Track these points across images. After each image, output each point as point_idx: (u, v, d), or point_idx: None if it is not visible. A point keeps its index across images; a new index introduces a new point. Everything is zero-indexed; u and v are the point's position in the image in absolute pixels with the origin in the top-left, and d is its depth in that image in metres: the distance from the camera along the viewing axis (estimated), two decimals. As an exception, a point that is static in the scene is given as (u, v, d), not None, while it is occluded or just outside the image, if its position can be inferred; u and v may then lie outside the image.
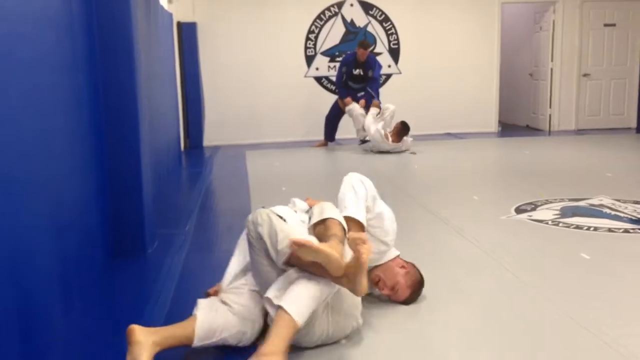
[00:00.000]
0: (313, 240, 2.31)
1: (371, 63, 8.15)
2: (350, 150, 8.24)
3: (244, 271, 2.59)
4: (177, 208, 5.03)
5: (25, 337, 2.09)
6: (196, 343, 2.27)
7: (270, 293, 2.24)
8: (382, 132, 7.75)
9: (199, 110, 8.82)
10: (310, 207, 2.70)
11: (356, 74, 8.17)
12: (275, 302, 2.19)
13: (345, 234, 2.42)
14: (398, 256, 2.84)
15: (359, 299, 2.47)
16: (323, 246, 2.23)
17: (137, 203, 3.62)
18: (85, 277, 2.97)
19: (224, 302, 2.42)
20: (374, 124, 7.81)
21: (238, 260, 2.66)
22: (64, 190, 2.71)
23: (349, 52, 8.51)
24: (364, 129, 7.95)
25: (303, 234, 2.37)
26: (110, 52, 3.37)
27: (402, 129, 7.87)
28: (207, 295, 2.68)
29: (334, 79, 9.23)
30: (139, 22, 3.69)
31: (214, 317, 2.33)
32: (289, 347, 2.13)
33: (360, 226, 2.61)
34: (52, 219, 2.49)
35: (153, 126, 4.61)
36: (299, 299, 2.17)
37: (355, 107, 8.07)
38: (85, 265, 2.98)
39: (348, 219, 2.58)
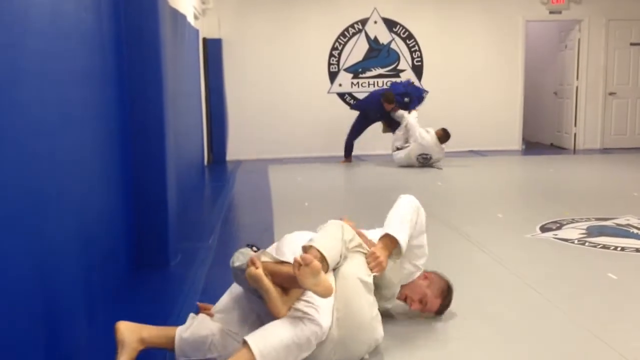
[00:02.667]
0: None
1: (407, 90, 8.35)
2: (374, 166, 8.23)
3: (235, 300, 2.54)
4: (200, 222, 5.06)
5: (50, 345, 2.11)
6: (177, 351, 2.34)
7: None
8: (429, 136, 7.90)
9: (222, 125, 8.90)
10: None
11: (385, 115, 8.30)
12: (247, 338, 2.17)
13: (325, 263, 2.35)
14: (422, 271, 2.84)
15: (372, 314, 2.40)
16: (267, 282, 2.22)
17: (162, 216, 3.65)
18: (109, 288, 3.00)
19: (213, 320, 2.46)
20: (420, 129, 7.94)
21: (231, 290, 2.63)
22: (90, 202, 2.75)
23: (375, 99, 8.35)
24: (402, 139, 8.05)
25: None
26: (139, 68, 3.43)
27: (444, 136, 7.93)
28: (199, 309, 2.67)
29: (357, 95, 9.29)
30: (166, 39, 3.76)
31: (198, 328, 2.39)
32: None
33: (395, 245, 2.61)
34: (78, 231, 2.52)
35: (178, 141, 4.66)
36: (268, 341, 2.16)
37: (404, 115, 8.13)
38: (109, 276, 3.02)
39: (388, 236, 2.62)
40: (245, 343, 2.15)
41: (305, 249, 2.37)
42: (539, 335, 2.66)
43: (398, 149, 8.09)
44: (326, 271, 2.37)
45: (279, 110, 9.31)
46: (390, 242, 2.62)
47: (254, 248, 2.51)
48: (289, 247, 2.50)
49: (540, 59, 10.63)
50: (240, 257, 2.43)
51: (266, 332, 2.20)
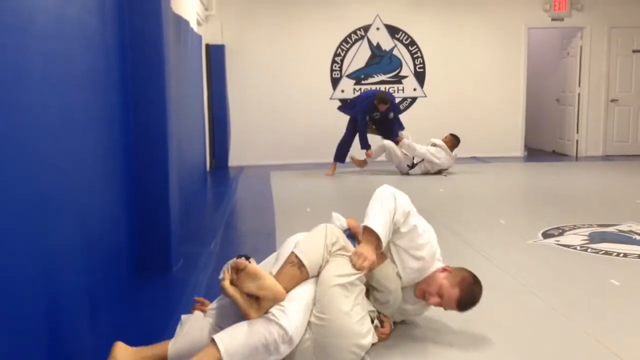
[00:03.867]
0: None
1: (390, 106, 8.05)
2: (376, 173, 8.23)
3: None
4: (202, 227, 5.06)
5: (53, 348, 2.11)
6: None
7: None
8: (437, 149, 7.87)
9: (225, 131, 8.92)
10: (348, 229, 2.70)
11: (376, 117, 8.03)
12: (215, 336, 2.19)
13: (303, 269, 2.38)
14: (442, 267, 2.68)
15: (355, 319, 2.33)
16: (232, 293, 2.26)
17: (164, 221, 3.66)
18: (112, 292, 3.00)
19: (205, 315, 2.46)
20: (425, 147, 7.87)
21: None
22: (93, 206, 2.76)
23: (366, 101, 7.99)
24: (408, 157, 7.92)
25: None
26: (142, 72, 3.45)
27: (454, 142, 7.92)
28: (194, 308, 2.68)
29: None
30: (170, 44, 3.77)
31: (190, 332, 2.37)
32: None
33: (376, 237, 2.51)
34: (81, 235, 2.53)
35: (180, 146, 4.67)
36: (233, 337, 2.18)
37: (391, 144, 7.94)
38: (111, 281, 3.02)
39: (367, 229, 2.53)
40: (212, 341, 2.17)
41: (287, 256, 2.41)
42: (541, 340, 2.65)
43: (410, 166, 7.98)
44: (306, 277, 2.39)
45: (281, 116, 9.32)
46: (370, 236, 2.51)
47: (242, 256, 2.51)
48: (286, 250, 2.52)
49: (542, 66, 10.64)
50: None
51: (234, 331, 2.22)
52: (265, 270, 2.48)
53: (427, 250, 2.62)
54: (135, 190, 3.52)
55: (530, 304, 3.12)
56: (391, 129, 8.01)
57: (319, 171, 8.38)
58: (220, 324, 2.37)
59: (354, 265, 2.42)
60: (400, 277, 2.62)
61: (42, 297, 2.04)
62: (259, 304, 2.26)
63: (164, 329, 2.78)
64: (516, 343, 2.64)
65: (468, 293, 2.58)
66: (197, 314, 2.51)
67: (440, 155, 7.87)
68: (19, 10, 1.93)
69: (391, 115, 7.97)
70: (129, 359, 2.26)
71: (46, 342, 2.06)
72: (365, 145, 7.96)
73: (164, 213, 3.66)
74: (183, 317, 2.53)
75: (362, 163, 8.20)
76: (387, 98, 7.84)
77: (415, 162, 7.95)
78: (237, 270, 2.27)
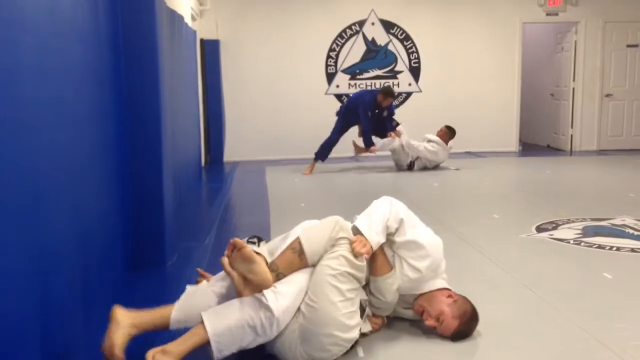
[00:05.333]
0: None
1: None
2: (370, 168, 8.24)
3: None
4: (197, 222, 5.06)
5: (46, 345, 2.11)
6: (173, 325, 2.37)
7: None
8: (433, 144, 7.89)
9: (220, 126, 8.91)
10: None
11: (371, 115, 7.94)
12: (203, 314, 2.26)
13: (303, 256, 2.42)
14: (447, 289, 2.66)
15: (343, 311, 2.31)
16: (229, 270, 2.33)
17: (158, 216, 3.65)
18: (105, 288, 2.99)
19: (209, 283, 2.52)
20: (422, 144, 7.87)
21: None
22: (86, 201, 2.75)
23: (366, 97, 7.78)
24: (404, 152, 7.88)
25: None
26: (135, 66, 3.43)
27: (449, 134, 7.93)
28: (198, 281, 2.73)
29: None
30: (163, 38, 3.76)
31: (193, 298, 2.42)
32: (188, 353, 2.21)
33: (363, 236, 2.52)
34: (74, 231, 2.52)
35: (175, 141, 4.66)
36: (222, 317, 2.24)
37: (390, 141, 7.83)
38: (105, 276, 3.01)
39: (356, 230, 2.55)
40: (202, 320, 2.23)
41: (292, 241, 2.45)
42: (534, 334, 2.67)
43: (410, 164, 7.97)
44: (305, 265, 2.41)
45: (276, 111, 9.32)
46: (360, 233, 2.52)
47: (255, 240, 2.54)
48: (294, 233, 2.57)
49: (537, 60, 10.66)
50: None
51: (224, 310, 2.27)
52: (271, 248, 2.54)
53: (427, 263, 2.58)
54: (129, 185, 3.51)
55: (523, 297, 3.13)
56: (385, 128, 7.96)
57: (315, 166, 8.37)
58: (223, 295, 2.42)
59: (352, 250, 2.41)
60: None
61: (34, 293, 2.03)
62: (251, 285, 2.29)
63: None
64: (508, 336, 2.65)
65: (466, 328, 2.58)
66: (203, 284, 2.55)
67: (437, 152, 7.88)
68: (9, 3, 1.92)
69: (385, 113, 7.91)
70: (129, 321, 2.31)
71: (39, 339, 2.05)
72: (369, 142, 7.82)
73: (158, 208, 3.65)
74: (188, 287, 2.55)
75: (363, 151, 8.01)
76: (392, 91, 7.75)
77: (413, 159, 7.95)
78: (233, 248, 2.33)
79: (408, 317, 2.76)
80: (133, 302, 3.18)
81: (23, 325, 1.94)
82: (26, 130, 2.00)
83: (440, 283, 2.66)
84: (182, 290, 3.27)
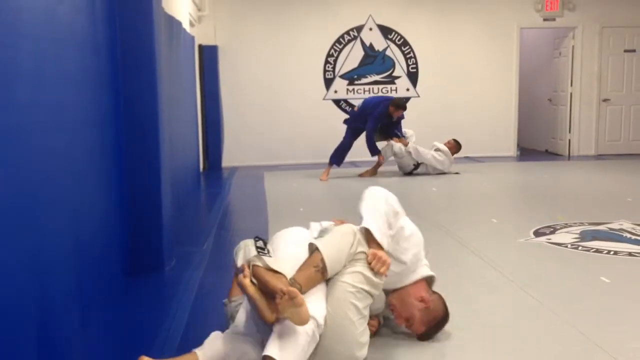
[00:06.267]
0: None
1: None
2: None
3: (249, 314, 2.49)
4: (195, 227, 5.06)
5: (43, 349, 2.11)
6: None
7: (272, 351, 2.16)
8: (441, 153, 7.98)
9: (218, 131, 8.91)
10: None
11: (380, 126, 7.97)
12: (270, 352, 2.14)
13: (325, 273, 2.36)
14: (426, 280, 2.66)
15: (359, 329, 2.31)
16: (252, 291, 2.26)
17: (156, 221, 3.66)
18: (104, 292, 2.99)
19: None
20: (430, 152, 7.95)
21: (244, 305, 2.55)
22: (85, 206, 2.75)
23: (378, 109, 7.69)
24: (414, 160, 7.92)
25: (283, 267, 2.36)
26: (133, 72, 3.44)
27: (457, 148, 8.08)
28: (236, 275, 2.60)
29: (352, 102, 9.29)
30: (161, 44, 3.77)
31: (217, 346, 2.31)
32: None
33: (375, 240, 2.49)
34: (72, 235, 2.52)
35: (173, 146, 4.67)
36: (284, 349, 2.14)
37: (400, 146, 7.87)
38: (104, 280, 3.01)
39: (365, 231, 2.51)
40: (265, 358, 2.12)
41: (312, 250, 2.40)
42: (532, 338, 2.67)
43: (414, 166, 7.98)
44: (324, 279, 2.38)
45: (274, 116, 9.33)
46: (374, 239, 2.49)
47: (260, 241, 2.51)
48: (283, 242, 2.56)
49: (534, 66, 10.69)
50: (240, 252, 2.50)
51: (279, 342, 2.16)
52: (286, 247, 2.52)
53: (411, 254, 2.59)
54: (128, 190, 3.52)
55: (520, 301, 3.13)
56: (393, 134, 8.00)
57: (313, 171, 8.38)
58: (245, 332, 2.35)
59: (372, 269, 2.39)
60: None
61: (32, 298, 2.03)
62: (275, 305, 2.21)
63: (156, 329, 2.79)
64: (506, 339, 2.65)
65: (432, 332, 2.62)
66: (216, 333, 2.41)
67: (443, 161, 7.99)
68: (7, 9, 1.93)
69: (394, 119, 7.95)
70: None
71: (36, 343, 2.05)
72: (375, 151, 7.81)
73: (157, 213, 3.65)
74: (212, 334, 2.42)
75: (374, 171, 8.02)
76: (403, 103, 7.82)
77: (418, 163, 7.98)
78: (253, 274, 2.29)
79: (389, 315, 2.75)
80: (132, 306, 3.19)
81: (20, 330, 1.94)
82: (24, 136, 2.01)
83: (420, 272, 2.64)
84: (180, 295, 3.29)
